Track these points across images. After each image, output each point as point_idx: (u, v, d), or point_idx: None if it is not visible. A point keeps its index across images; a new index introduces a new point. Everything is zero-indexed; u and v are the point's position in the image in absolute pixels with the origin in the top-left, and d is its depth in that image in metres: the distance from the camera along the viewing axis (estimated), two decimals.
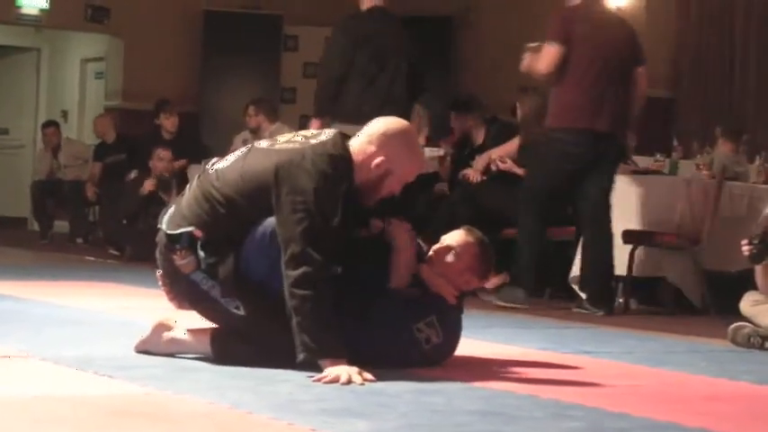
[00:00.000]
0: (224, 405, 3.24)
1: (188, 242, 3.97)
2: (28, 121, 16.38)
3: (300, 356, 3.76)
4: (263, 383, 3.64)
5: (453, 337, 4.28)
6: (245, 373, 3.79)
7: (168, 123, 11.39)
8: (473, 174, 8.29)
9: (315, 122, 7.38)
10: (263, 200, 3.92)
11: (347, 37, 7.50)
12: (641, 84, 7.25)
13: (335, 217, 3.85)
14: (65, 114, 15.98)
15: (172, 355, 4.08)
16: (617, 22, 7.42)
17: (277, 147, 4.05)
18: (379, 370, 3.90)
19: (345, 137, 4.09)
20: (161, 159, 10.32)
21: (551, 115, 7.18)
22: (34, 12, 13.71)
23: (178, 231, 4.00)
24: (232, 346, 4.00)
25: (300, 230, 3.81)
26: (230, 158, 4.12)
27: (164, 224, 4.09)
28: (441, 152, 9.57)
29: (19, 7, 13.64)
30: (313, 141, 4.02)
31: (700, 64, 11.37)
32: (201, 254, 3.96)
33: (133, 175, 10.88)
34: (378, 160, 4.02)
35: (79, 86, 16.06)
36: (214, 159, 4.20)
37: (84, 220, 12.91)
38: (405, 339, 4.09)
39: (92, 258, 10.30)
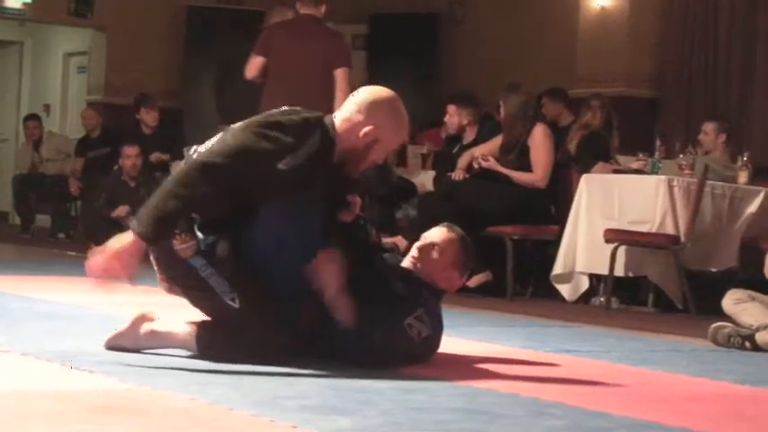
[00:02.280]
0: (205, 401, 3.23)
1: (186, 225, 3.96)
2: (10, 115, 16.34)
3: (132, 222, 3.86)
4: (244, 379, 3.63)
5: (439, 326, 4.28)
6: (227, 368, 3.78)
7: (149, 118, 11.38)
8: (456, 172, 8.29)
9: None
10: (250, 166, 3.89)
11: None
12: (340, 84, 7.93)
13: (275, 166, 3.85)
14: (47, 108, 15.94)
15: (149, 349, 4.05)
16: (318, 31, 8.26)
17: (258, 117, 4.07)
18: (360, 368, 3.91)
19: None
20: (129, 157, 10.34)
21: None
22: (17, 5, 13.68)
23: None
24: (219, 339, 3.96)
25: (237, 146, 3.85)
26: (211, 140, 4.11)
27: None
28: (424, 150, 9.58)
29: (2, 0, 13.59)
30: (293, 108, 4.08)
31: (683, 64, 11.40)
32: (200, 235, 3.95)
33: (115, 168, 10.88)
34: (366, 129, 4.04)
35: (62, 80, 16.03)
36: (194, 146, 4.19)
37: (66, 215, 12.87)
38: (398, 337, 4.09)
39: (73, 253, 10.26)
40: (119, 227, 9.21)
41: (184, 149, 4.31)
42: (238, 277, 3.93)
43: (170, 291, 4.15)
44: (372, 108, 4.07)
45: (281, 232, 3.89)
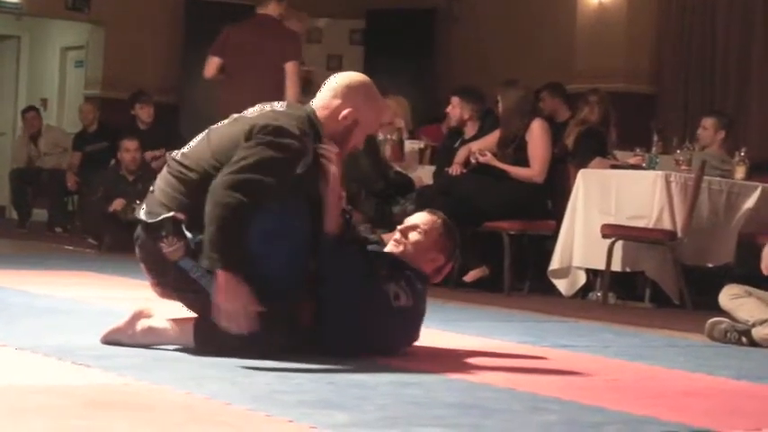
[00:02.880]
0: (202, 395, 3.23)
1: (173, 228, 3.96)
2: (7, 110, 16.32)
3: (204, 262, 3.85)
4: (241, 374, 3.63)
5: (422, 304, 4.28)
6: (224, 363, 3.78)
7: (143, 113, 11.38)
8: (453, 167, 8.29)
9: None
10: (278, 176, 3.93)
11: None
12: (290, 75, 8.41)
13: (294, 171, 3.93)
14: (44, 102, 15.91)
15: (146, 345, 4.05)
16: (271, 29, 8.64)
17: (248, 116, 4.13)
18: (357, 362, 3.91)
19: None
20: (128, 151, 10.33)
21: (220, 110, 8.03)
22: None
23: (159, 219, 3.99)
24: (217, 334, 3.95)
25: (258, 160, 3.89)
26: (193, 142, 4.17)
27: (142, 216, 4.07)
28: (421, 144, 9.58)
29: None
30: (279, 108, 4.14)
31: (681, 59, 11.39)
32: (189, 235, 3.95)
33: (112, 162, 10.87)
34: (345, 112, 4.15)
35: (59, 75, 16.01)
36: (175, 151, 4.20)
37: (63, 209, 12.86)
38: (371, 290, 4.10)
39: (70, 247, 10.26)
40: (116, 221, 9.23)
41: (167, 155, 4.32)
42: None
43: (162, 295, 4.15)
44: (348, 91, 4.19)
45: (275, 228, 3.90)
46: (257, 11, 8.88)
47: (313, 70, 10.04)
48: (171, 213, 3.98)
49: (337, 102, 4.18)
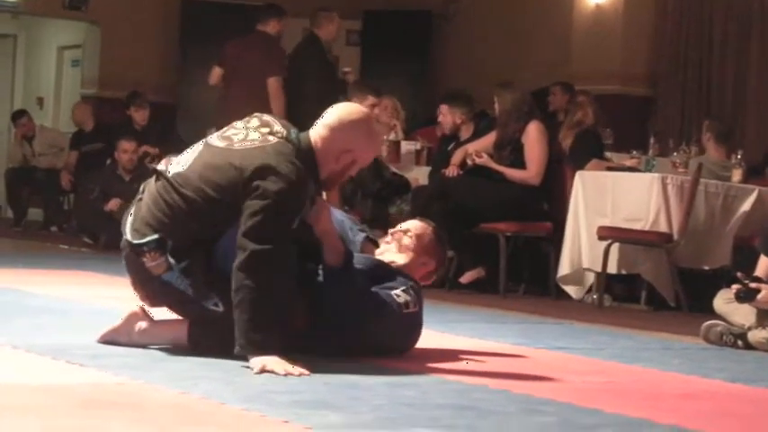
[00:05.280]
0: (196, 395, 3.23)
1: (155, 244, 3.95)
2: (3, 109, 16.29)
3: (236, 349, 3.77)
4: (235, 374, 3.63)
5: (422, 309, 4.31)
6: (219, 363, 3.78)
7: (138, 116, 11.40)
8: (449, 168, 8.28)
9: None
10: (226, 202, 3.89)
11: None
12: (271, 92, 9.12)
13: (297, 218, 3.87)
14: (40, 102, 15.89)
15: (143, 346, 4.05)
16: (261, 45, 9.40)
17: (237, 146, 3.99)
18: (352, 363, 3.91)
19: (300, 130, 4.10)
20: (125, 151, 10.37)
21: (216, 115, 8.67)
22: None
23: (144, 240, 3.97)
24: (210, 336, 3.95)
25: (260, 227, 3.79)
26: (185, 160, 4.07)
27: (128, 234, 4.04)
28: (417, 146, 9.57)
29: None
30: (272, 139, 3.99)
31: (677, 62, 11.39)
32: (172, 260, 3.94)
33: (108, 162, 10.88)
34: (342, 152, 4.03)
35: (55, 74, 15.98)
36: (161, 165, 4.16)
37: (58, 209, 12.85)
38: (379, 295, 4.12)
39: (66, 247, 10.25)
40: (112, 220, 9.22)
41: (164, 161, 4.29)
42: (216, 281, 3.90)
43: (153, 305, 4.14)
44: (345, 130, 4.05)
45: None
46: (257, 27, 9.56)
47: (350, 72, 10.09)
48: (156, 236, 3.95)
49: (332, 139, 4.03)
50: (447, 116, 8.61)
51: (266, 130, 4.05)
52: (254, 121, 4.11)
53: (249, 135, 4.03)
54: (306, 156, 3.98)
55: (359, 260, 4.23)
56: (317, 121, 4.10)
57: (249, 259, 3.76)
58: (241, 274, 3.77)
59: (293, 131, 4.05)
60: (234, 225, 3.86)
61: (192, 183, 3.96)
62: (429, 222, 4.57)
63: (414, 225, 4.51)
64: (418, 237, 4.44)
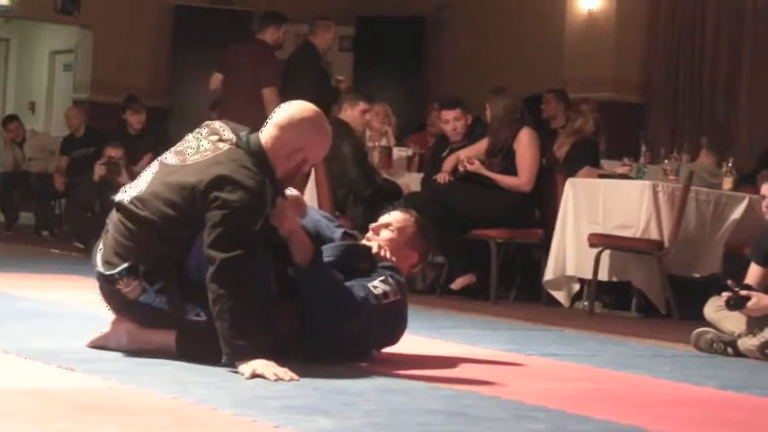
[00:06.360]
0: (187, 400, 3.23)
1: (126, 270, 3.95)
2: None
3: (223, 358, 3.77)
4: (226, 379, 3.63)
5: (406, 296, 4.30)
6: (210, 369, 3.77)
7: (134, 120, 11.41)
8: (441, 175, 8.27)
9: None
10: (186, 218, 3.90)
11: None
12: (266, 103, 8.89)
13: (260, 221, 3.87)
14: (32, 106, 15.89)
15: (133, 350, 4.04)
16: (257, 53, 9.44)
17: (190, 161, 4.01)
18: (342, 368, 3.91)
19: (250, 132, 4.10)
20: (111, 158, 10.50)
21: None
22: (4, 2, 13.62)
23: (116, 270, 3.97)
24: (198, 342, 3.95)
25: (225, 235, 3.79)
26: (142, 182, 4.07)
27: (99, 266, 4.04)
28: (409, 152, 9.56)
29: None
30: (222, 146, 4.01)
31: (670, 70, 11.42)
32: (146, 285, 3.94)
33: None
34: (292, 152, 4.05)
35: (47, 78, 15.98)
36: (118, 195, 4.13)
37: (50, 213, 12.84)
38: (355, 291, 4.10)
39: (57, 251, 10.24)
40: (103, 224, 9.21)
41: (113, 197, 4.28)
42: (194, 293, 3.90)
43: (140, 326, 4.12)
44: (295, 129, 4.07)
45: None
46: (255, 35, 9.65)
47: (344, 80, 10.18)
48: (126, 264, 3.95)
49: (286, 138, 4.05)
50: (461, 119, 8.48)
51: (215, 137, 4.08)
52: (205, 131, 4.14)
53: (201, 146, 4.06)
54: (258, 157, 4.00)
55: (333, 250, 4.23)
56: (267, 120, 4.14)
57: (220, 268, 3.77)
58: (214, 285, 3.78)
59: (243, 135, 4.07)
60: (200, 238, 3.87)
61: (150, 205, 3.98)
62: (411, 212, 4.53)
63: (395, 218, 4.47)
64: (400, 230, 4.43)
